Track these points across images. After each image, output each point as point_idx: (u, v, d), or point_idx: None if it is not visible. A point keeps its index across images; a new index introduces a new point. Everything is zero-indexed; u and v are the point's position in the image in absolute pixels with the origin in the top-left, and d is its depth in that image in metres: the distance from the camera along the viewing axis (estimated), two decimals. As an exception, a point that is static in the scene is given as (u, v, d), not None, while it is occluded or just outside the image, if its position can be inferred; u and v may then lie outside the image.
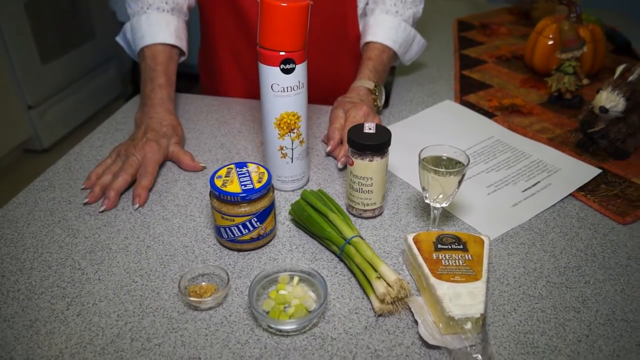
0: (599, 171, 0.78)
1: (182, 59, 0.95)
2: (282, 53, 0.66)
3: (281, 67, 0.66)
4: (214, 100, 1.03)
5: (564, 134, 0.90)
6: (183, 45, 0.92)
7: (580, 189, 0.76)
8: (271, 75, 0.67)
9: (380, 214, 0.72)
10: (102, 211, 0.71)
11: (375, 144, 0.65)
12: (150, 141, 0.78)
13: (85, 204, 0.72)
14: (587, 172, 0.79)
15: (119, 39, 0.98)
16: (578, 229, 0.69)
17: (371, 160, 0.66)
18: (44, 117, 2.53)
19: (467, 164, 0.60)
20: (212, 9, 0.99)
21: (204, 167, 0.81)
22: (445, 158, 0.63)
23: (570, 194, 0.75)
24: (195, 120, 0.96)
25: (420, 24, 1.06)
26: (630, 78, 0.78)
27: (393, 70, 1.17)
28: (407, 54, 1.03)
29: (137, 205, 0.72)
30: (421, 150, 0.62)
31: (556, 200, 0.74)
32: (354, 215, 0.71)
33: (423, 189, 0.64)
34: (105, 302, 0.58)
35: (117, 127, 0.93)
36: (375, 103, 0.91)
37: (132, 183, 0.75)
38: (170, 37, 0.89)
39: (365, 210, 0.70)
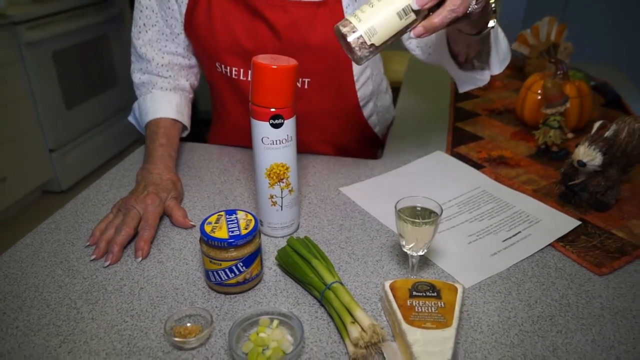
0: (578, 222, 0.81)
1: (185, 133, 1.03)
2: (272, 109, 0.71)
3: (270, 122, 0.71)
4: (217, 148, 1.09)
5: (548, 185, 0.93)
6: (184, 120, 1.00)
7: (561, 239, 0.78)
8: (262, 129, 0.72)
9: (368, 58, 0.63)
10: (107, 266, 0.73)
11: None
12: (151, 193, 0.82)
13: (92, 260, 0.75)
14: (567, 223, 0.81)
15: (130, 118, 1.08)
16: (555, 279, 0.71)
17: None
18: (64, 160, 2.63)
19: (440, 214, 0.64)
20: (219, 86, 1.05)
21: (194, 226, 0.83)
22: (419, 208, 0.67)
23: (550, 245, 0.77)
24: (198, 168, 1.01)
25: (421, 78, 1.11)
26: (606, 134, 0.82)
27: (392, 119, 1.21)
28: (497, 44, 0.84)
29: (139, 259, 0.75)
30: (397, 202, 0.66)
31: (535, 250, 0.76)
32: (347, 50, 0.63)
33: (401, 237, 0.67)
34: (96, 341, 0.62)
35: (124, 174, 0.99)
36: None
37: (135, 235, 0.79)
38: (171, 112, 0.97)
39: (359, 40, 0.61)
